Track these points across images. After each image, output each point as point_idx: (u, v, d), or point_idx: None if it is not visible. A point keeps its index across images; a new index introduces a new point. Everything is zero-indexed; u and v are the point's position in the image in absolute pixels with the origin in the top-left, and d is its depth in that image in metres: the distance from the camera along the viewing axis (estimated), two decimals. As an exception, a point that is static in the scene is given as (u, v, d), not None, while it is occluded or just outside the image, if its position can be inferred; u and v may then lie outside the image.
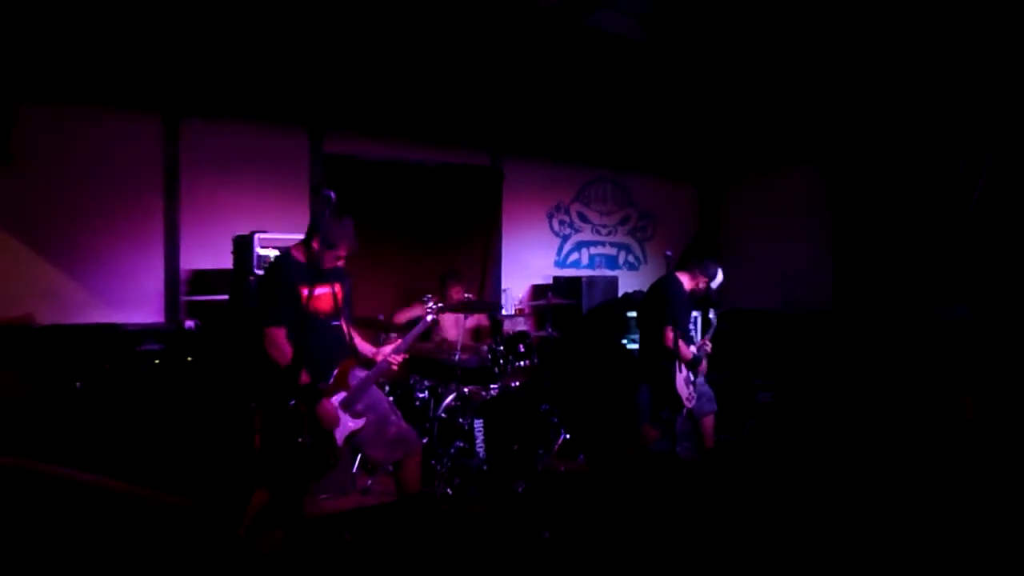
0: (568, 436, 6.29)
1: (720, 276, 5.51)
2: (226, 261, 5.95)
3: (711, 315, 5.65)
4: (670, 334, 5.17)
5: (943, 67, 6.37)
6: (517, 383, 6.11)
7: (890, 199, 7.27)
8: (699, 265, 5.54)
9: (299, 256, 4.00)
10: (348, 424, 3.97)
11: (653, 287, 5.69)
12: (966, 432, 5.78)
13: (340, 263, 4.08)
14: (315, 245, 3.90)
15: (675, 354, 5.15)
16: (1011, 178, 6.18)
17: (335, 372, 3.97)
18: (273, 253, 5.37)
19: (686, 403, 5.27)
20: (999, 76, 6.19)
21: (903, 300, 6.93)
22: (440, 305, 4.56)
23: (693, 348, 5.41)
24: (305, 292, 3.72)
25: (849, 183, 7.85)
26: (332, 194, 3.90)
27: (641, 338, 5.79)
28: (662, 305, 5.34)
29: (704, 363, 5.52)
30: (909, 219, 7.02)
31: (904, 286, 6.96)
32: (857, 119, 7.55)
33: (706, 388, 5.54)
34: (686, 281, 5.49)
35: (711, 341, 5.55)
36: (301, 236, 4.10)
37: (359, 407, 4.04)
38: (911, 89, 6.81)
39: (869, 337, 7.09)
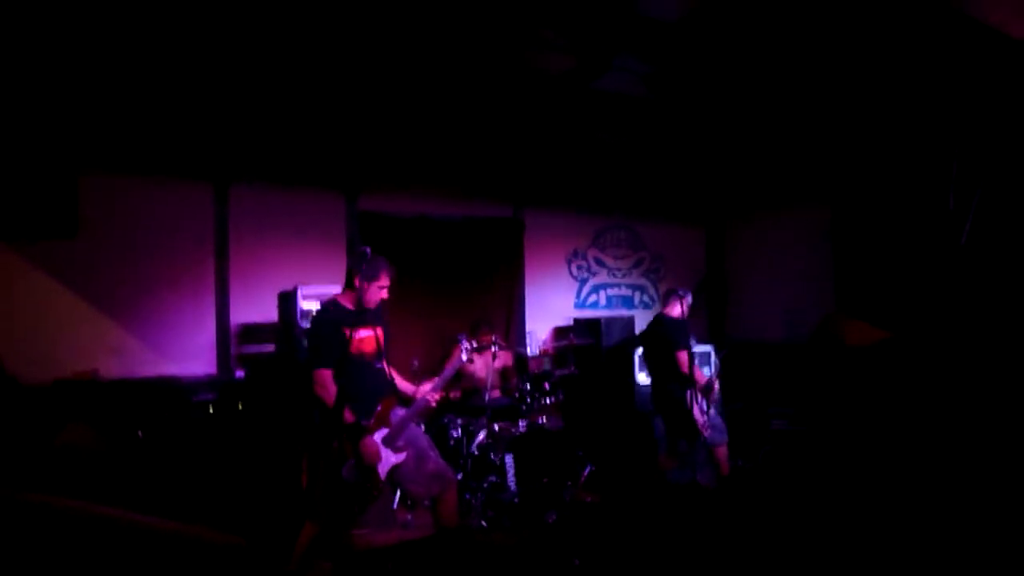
0: (593, 468, 6.26)
1: (689, 295, 5.89)
2: (272, 314, 6.08)
3: (713, 357, 5.77)
4: (684, 357, 5.25)
5: (932, 111, 6.40)
6: (543, 419, 6.11)
7: (887, 235, 7.26)
8: (672, 295, 5.89)
9: (346, 303, 4.08)
10: (391, 459, 4.01)
11: (652, 325, 5.85)
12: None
13: (384, 293, 4.14)
14: (358, 283, 3.99)
15: (690, 378, 5.20)
16: (998, 213, 6.16)
17: (377, 410, 4.01)
18: (315, 305, 5.46)
19: (703, 431, 5.27)
20: (983, 116, 6.21)
21: (902, 330, 6.87)
22: (475, 344, 4.61)
23: (706, 370, 5.47)
24: (350, 335, 3.82)
25: (848, 221, 7.86)
26: (367, 250, 4.02)
27: (651, 372, 5.85)
28: (668, 335, 5.46)
29: (716, 390, 5.57)
30: (905, 254, 7.00)
31: (902, 317, 6.90)
32: (853, 162, 7.58)
33: (718, 420, 5.61)
34: (676, 311, 5.74)
35: (718, 379, 5.67)
36: (340, 288, 4.20)
37: (400, 443, 4.08)
38: (902, 133, 6.84)
39: (871, 364, 7.03)
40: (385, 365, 4.21)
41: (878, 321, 6.99)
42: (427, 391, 4.21)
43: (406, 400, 4.26)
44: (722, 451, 5.57)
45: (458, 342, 4.57)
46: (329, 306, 4.11)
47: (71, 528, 2.93)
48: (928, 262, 6.70)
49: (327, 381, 3.86)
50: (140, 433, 5.20)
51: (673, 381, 5.40)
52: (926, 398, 6.03)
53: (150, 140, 6.16)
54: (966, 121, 6.37)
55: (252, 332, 6.60)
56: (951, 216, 6.41)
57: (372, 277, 4.03)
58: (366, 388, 4.01)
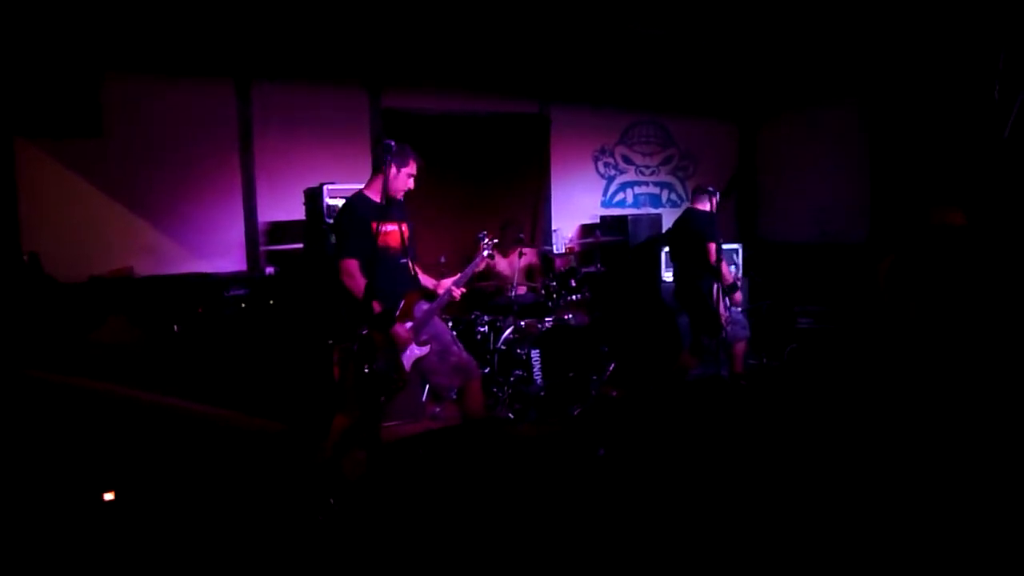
0: (618, 363, 6.37)
1: (717, 193, 5.72)
2: (299, 212, 6.12)
3: (738, 256, 5.74)
4: (714, 248, 5.26)
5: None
6: (569, 316, 6.18)
7: (925, 129, 7.03)
8: (702, 191, 5.75)
9: (372, 195, 4.11)
10: (415, 351, 4.10)
11: (682, 219, 5.83)
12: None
13: (411, 183, 4.18)
14: (387, 169, 3.96)
15: (717, 271, 5.21)
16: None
17: (401, 303, 4.08)
18: (340, 203, 5.48)
19: (725, 326, 5.32)
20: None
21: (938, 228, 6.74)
22: (495, 241, 4.65)
23: (732, 268, 5.48)
24: (376, 228, 3.85)
25: (885, 115, 7.62)
26: (392, 143, 4.00)
27: (677, 267, 5.85)
28: (699, 228, 5.45)
29: (739, 294, 5.59)
30: (944, 149, 6.79)
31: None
32: (891, 50, 7.27)
33: (740, 316, 5.65)
34: (705, 205, 5.65)
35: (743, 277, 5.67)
36: (365, 184, 4.21)
37: (424, 336, 4.16)
38: (944, 17, 6.52)
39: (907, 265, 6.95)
40: (409, 261, 4.26)
41: (915, 216, 6.84)
42: (449, 285, 4.28)
43: (429, 295, 4.32)
44: (740, 347, 5.63)
45: (479, 241, 4.59)
46: (356, 199, 4.13)
47: (111, 410, 3.08)
48: (969, 157, 6.51)
49: (355, 270, 3.92)
50: (176, 327, 5.36)
51: (700, 275, 5.41)
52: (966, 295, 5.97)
53: (170, 37, 6.07)
54: (1013, 9, 6.04)
55: (280, 230, 6.68)
56: (995, 108, 6.17)
57: (402, 163, 4.06)
58: (391, 282, 4.06)
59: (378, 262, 3.93)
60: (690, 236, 5.58)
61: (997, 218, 6.21)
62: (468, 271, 4.41)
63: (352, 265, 3.94)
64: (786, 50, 7.85)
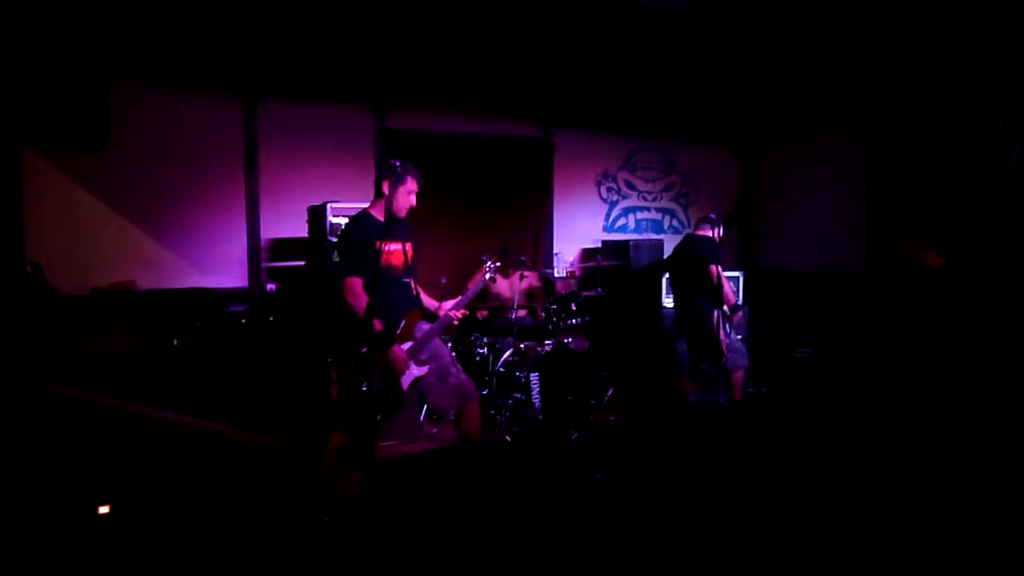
0: (617, 388, 6.35)
1: (720, 226, 5.83)
2: (302, 230, 6.14)
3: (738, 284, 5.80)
4: (715, 271, 5.27)
5: (980, 28, 6.13)
6: (569, 339, 6.18)
7: (927, 161, 7.07)
8: (705, 219, 5.81)
9: (376, 215, 4.11)
10: (413, 371, 4.10)
11: (682, 244, 5.86)
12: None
13: (412, 200, 4.16)
14: (386, 189, 4.01)
15: (718, 295, 5.22)
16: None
17: (402, 323, 4.09)
18: (344, 221, 5.50)
19: (725, 351, 5.32)
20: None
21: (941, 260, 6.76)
22: (498, 264, 4.64)
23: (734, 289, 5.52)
24: (380, 247, 3.86)
25: (886, 147, 7.66)
26: (397, 163, 4.03)
27: (677, 293, 5.86)
28: (701, 252, 5.48)
29: (739, 316, 5.60)
30: (946, 182, 6.83)
31: (943, 246, 6.78)
32: (894, 82, 7.33)
33: (739, 344, 5.64)
34: (708, 232, 5.71)
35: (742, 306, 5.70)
36: (369, 203, 4.22)
37: (423, 356, 4.16)
38: (948, 50, 6.58)
39: (904, 296, 6.96)
40: (411, 280, 4.26)
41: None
42: (449, 308, 4.27)
43: (430, 315, 4.32)
44: (739, 375, 5.63)
45: (482, 263, 4.60)
46: (361, 217, 4.14)
47: (106, 422, 3.07)
48: (971, 190, 6.54)
49: (358, 288, 3.92)
50: (175, 341, 5.36)
51: (701, 300, 5.42)
52: (969, 325, 5.97)
53: (179, 51, 6.13)
54: (1017, 44, 6.11)
55: (282, 247, 6.71)
56: (998, 142, 6.21)
57: (400, 181, 4.04)
58: (392, 301, 4.06)
59: (381, 281, 3.94)
60: (691, 260, 5.59)
61: (997, 251, 6.23)
62: (469, 294, 4.40)
63: (355, 283, 3.94)
64: (789, 80, 7.92)
